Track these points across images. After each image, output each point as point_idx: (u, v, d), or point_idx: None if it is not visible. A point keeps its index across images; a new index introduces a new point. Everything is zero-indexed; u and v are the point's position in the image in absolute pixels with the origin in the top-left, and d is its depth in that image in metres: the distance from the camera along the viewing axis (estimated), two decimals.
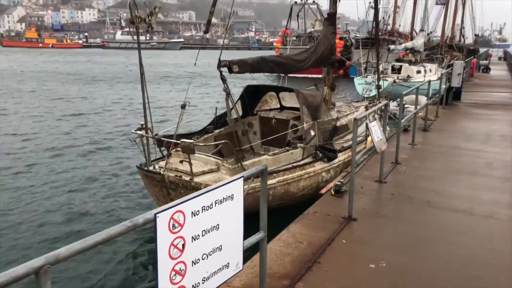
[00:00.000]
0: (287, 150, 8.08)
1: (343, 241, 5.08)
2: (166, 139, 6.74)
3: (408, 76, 23.12)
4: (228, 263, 3.10)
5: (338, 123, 9.79)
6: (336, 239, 5.11)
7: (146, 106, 6.72)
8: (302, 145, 8.39)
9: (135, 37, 6.39)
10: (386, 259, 4.60)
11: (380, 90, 13.83)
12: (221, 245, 2.99)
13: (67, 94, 26.28)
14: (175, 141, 6.67)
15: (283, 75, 9.85)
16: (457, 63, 16.06)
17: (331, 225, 5.59)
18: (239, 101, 9.89)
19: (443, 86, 14.96)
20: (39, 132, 16.04)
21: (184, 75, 38.76)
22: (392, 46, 25.12)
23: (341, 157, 9.17)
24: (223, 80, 8.28)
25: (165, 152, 7.76)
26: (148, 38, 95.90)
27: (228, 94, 8.30)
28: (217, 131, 9.35)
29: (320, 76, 12.09)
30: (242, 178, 3.21)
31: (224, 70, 8.26)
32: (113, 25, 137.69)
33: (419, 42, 24.91)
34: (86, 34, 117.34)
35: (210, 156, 7.54)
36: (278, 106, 10.56)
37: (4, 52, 76.09)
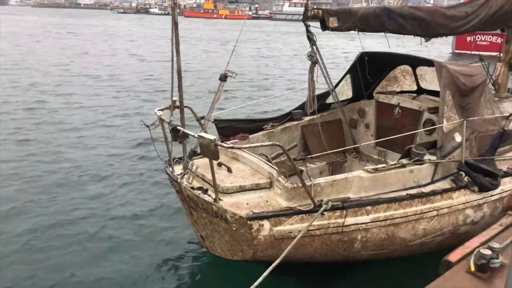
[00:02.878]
0: (403, 166, 4.71)
1: None
2: (182, 129, 4.17)
3: None
4: None
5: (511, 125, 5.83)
6: None
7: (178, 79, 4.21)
8: (433, 158, 4.90)
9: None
10: None
11: None
12: None
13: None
14: (191, 133, 4.05)
15: (424, 40, 6.22)
16: None
17: None
18: (349, 75, 6.67)
19: None
20: None
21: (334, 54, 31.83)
22: None
23: (508, 184, 5.34)
24: (311, 40, 5.25)
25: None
26: None
27: (315, 64, 5.24)
28: (307, 118, 6.39)
29: None
30: None
31: (316, 25, 5.22)
32: None
33: None
34: (256, 6, 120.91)
35: (264, 160, 4.72)
36: (415, 88, 6.97)
37: (186, 21, 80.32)
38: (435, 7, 6.06)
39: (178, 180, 4.51)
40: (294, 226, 4.09)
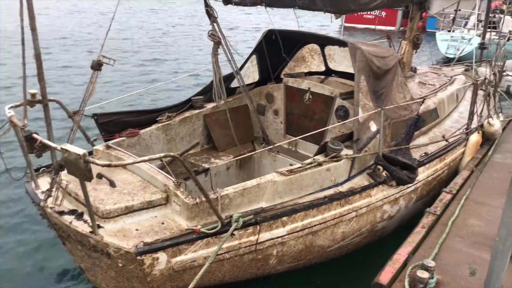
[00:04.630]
0: (319, 164, 4.14)
1: None
2: (39, 138, 3.09)
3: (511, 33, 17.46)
4: None
5: (422, 108, 5.61)
6: None
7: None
8: (350, 152, 4.41)
9: None
10: None
11: (485, 50, 9.29)
12: None
13: None
14: (52, 144, 2.99)
15: (335, 17, 5.68)
16: None
17: None
18: (254, 56, 5.92)
19: None
20: None
21: None
22: None
23: (422, 174, 5.11)
24: (211, 16, 4.36)
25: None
26: None
27: (218, 44, 4.39)
28: (210, 105, 5.55)
29: (393, 28, 7.65)
30: None
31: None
32: None
33: None
34: None
35: (157, 169, 3.82)
36: (323, 68, 6.47)
37: None
38: None
39: (41, 203, 3.42)
40: (198, 253, 3.30)
